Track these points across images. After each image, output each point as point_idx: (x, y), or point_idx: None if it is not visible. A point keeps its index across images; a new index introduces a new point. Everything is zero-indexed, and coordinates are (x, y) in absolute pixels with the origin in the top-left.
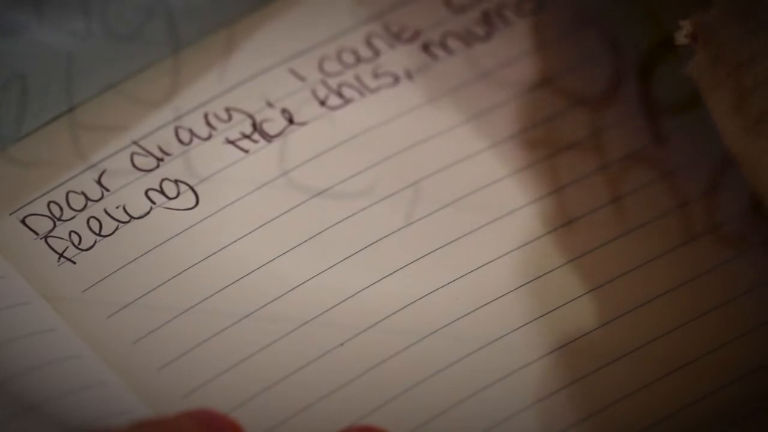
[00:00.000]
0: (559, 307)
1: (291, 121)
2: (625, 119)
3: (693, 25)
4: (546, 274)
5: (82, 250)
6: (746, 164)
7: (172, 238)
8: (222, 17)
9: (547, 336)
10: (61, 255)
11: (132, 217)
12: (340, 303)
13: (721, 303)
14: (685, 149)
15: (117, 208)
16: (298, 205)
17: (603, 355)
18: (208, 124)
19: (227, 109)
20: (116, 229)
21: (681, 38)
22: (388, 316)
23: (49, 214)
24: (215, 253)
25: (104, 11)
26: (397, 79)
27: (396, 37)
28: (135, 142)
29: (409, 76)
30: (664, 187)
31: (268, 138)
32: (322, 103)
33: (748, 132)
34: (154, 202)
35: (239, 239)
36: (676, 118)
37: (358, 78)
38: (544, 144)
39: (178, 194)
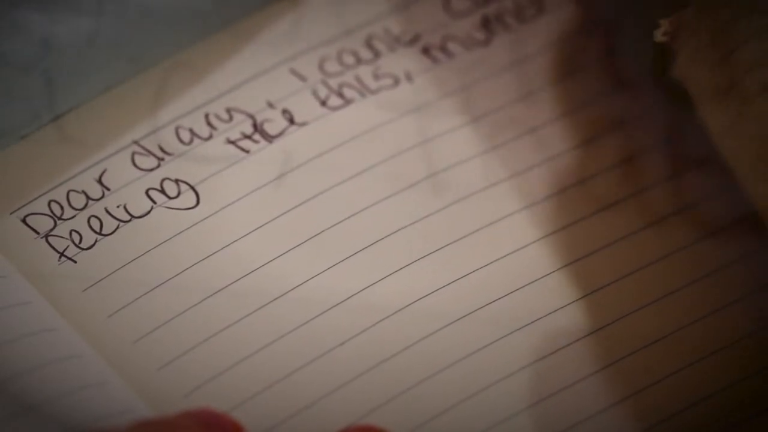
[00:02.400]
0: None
1: (292, 121)
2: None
3: (672, 24)
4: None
5: (83, 249)
6: (730, 161)
7: (172, 237)
8: (223, 18)
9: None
10: (61, 254)
11: (133, 217)
12: (341, 302)
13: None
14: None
15: (118, 207)
16: (299, 204)
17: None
18: (209, 124)
19: (228, 110)
20: (117, 228)
21: (659, 36)
22: (388, 316)
23: (49, 213)
24: (216, 252)
25: (103, 12)
26: (397, 81)
27: (396, 39)
28: (136, 142)
29: (409, 78)
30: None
31: (269, 138)
32: (323, 103)
33: (729, 129)
34: (154, 202)
35: (240, 239)
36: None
37: (358, 79)
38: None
39: (179, 194)
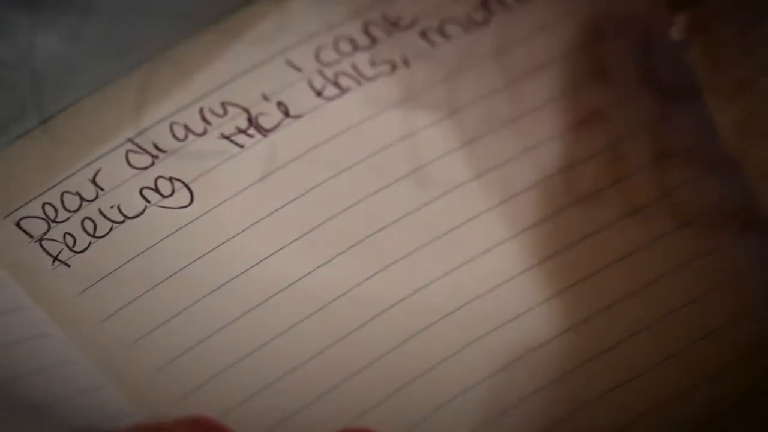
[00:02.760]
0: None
1: (287, 113)
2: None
3: (688, 20)
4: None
5: (77, 252)
6: (740, 157)
7: (166, 237)
8: (216, 11)
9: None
10: (55, 258)
11: (126, 217)
12: (336, 299)
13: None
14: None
15: (111, 208)
16: (294, 200)
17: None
18: (204, 119)
19: (223, 103)
20: (110, 230)
21: (676, 33)
22: (382, 312)
23: (43, 215)
24: (210, 251)
25: (94, 9)
26: (394, 67)
27: (393, 24)
28: (130, 140)
29: (407, 63)
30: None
31: (264, 132)
32: (319, 93)
33: (740, 126)
34: (148, 201)
35: (235, 236)
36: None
37: (355, 67)
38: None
39: (173, 192)
